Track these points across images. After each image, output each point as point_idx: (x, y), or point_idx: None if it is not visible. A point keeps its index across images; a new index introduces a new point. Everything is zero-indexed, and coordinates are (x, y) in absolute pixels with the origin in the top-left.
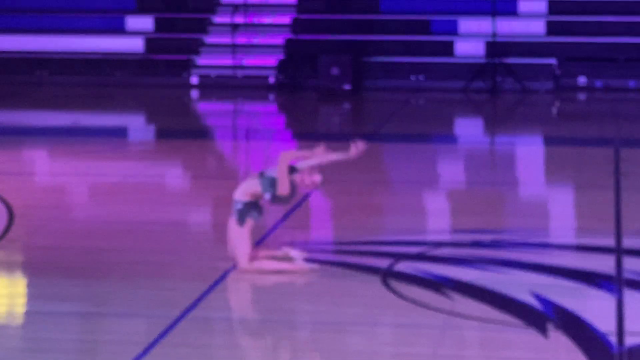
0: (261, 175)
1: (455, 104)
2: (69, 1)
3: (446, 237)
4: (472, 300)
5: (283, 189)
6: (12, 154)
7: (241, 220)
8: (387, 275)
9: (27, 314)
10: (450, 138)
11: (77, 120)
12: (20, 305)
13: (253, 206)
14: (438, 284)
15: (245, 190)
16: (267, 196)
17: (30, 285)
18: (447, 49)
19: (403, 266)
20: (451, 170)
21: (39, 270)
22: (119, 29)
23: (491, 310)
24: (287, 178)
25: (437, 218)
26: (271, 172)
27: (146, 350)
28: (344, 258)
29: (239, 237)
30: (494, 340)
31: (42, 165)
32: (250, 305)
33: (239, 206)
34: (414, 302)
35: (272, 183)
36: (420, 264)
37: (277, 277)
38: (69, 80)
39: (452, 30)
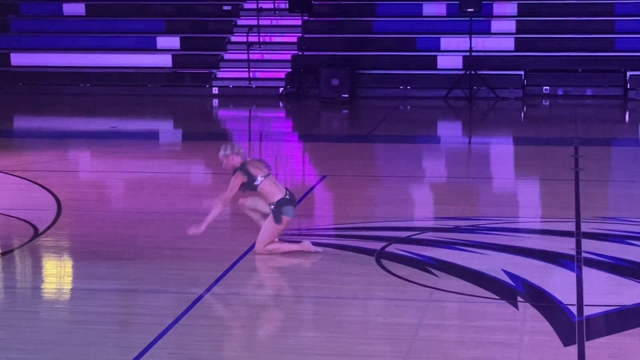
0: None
1: (437, 109)
2: (108, 24)
3: (430, 223)
4: (453, 277)
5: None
6: (59, 153)
7: (277, 220)
8: (380, 256)
9: (73, 290)
10: (433, 139)
11: (115, 125)
12: (67, 283)
13: (284, 202)
14: (424, 263)
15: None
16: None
17: (75, 267)
18: (430, 62)
19: (393, 248)
20: (434, 166)
21: (83, 253)
22: (150, 47)
23: (469, 285)
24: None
25: (422, 207)
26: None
27: (175, 321)
28: (343, 241)
29: (270, 229)
30: (471, 311)
31: (84, 163)
32: (262, 283)
33: (272, 207)
34: (403, 279)
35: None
36: (408, 246)
37: (285, 259)
38: (107, 91)
39: (435, 47)
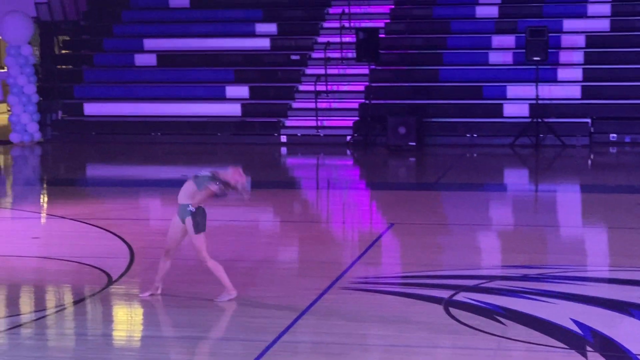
0: (195, 177)
1: (503, 157)
2: (179, 74)
3: (498, 271)
4: (521, 326)
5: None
6: (131, 202)
7: (197, 227)
8: (449, 304)
9: (144, 338)
10: (499, 186)
11: (185, 173)
12: (137, 330)
13: (202, 213)
14: (492, 312)
15: (186, 192)
16: (214, 187)
17: (146, 314)
18: (496, 110)
19: (462, 296)
20: (501, 214)
21: (154, 301)
22: (220, 97)
23: (538, 334)
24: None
25: (490, 255)
26: (204, 172)
27: None
28: (411, 290)
29: (198, 238)
30: None
31: (155, 211)
32: (331, 331)
33: (192, 209)
34: (471, 327)
35: (205, 180)
36: (476, 294)
37: (353, 306)
38: (178, 140)
39: (501, 95)
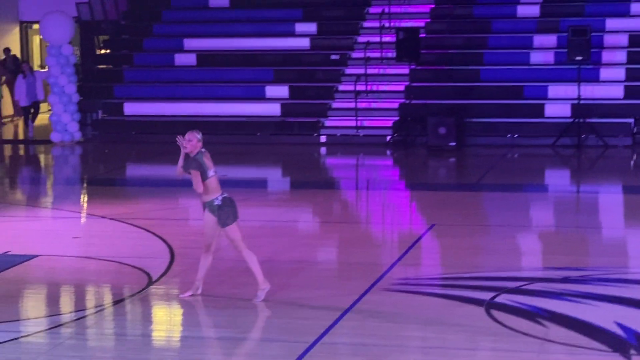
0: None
1: (545, 158)
2: (218, 74)
3: (539, 273)
4: (563, 328)
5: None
6: (171, 202)
7: (224, 224)
8: (490, 306)
9: (183, 338)
10: (541, 187)
11: (224, 173)
12: (177, 331)
13: (227, 204)
14: (533, 314)
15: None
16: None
17: (186, 314)
18: (538, 110)
19: (503, 298)
20: (542, 215)
21: (195, 301)
22: (259, 97)
23: (580, 337)
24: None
25: (531, 257)
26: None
27: None
28: (451, 291)
29: (230, 229)
30: None
31: (195, 212)
32: (370, 333)
33: (217, 204)
34: (512, 329)
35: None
36: (518, 296)
37: (393, 308)
38: (217, 140)
39: (543, 95)
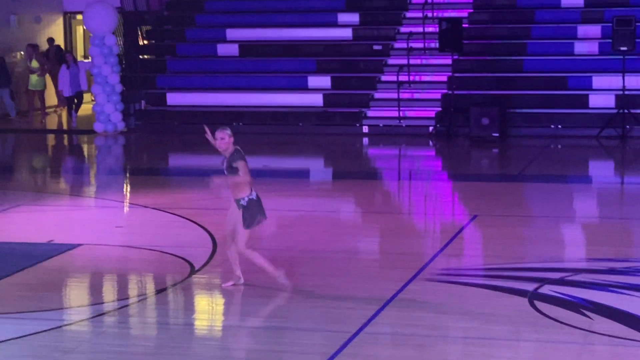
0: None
1: (588, 149)
2: (261, 64)
3: (583, 264)
4: (607, 320)
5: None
6: (213, 192)
7: (249, 225)
8: (533, 297)
9: (225, 328)
10: (584, 178)
11: (267, 163)
12: (219, 320)
13: (256, 204)
14: (578, 305)
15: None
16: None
17: (228, 303)
18: (582, 101)
19: (547, 289)
20: (586, 206)
21: (236, 290)
22: (302, 87)
23: (625, 329)
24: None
25: (575, 248)
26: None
27: None
28: (494, 282)
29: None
30: (627, 355)
31: None
32: (412, 323)
33: (244, 203)
34: (556, 320)
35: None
36: (561, 287)
37: (435, 298)
38: (259, 130)
39: (587, 85)
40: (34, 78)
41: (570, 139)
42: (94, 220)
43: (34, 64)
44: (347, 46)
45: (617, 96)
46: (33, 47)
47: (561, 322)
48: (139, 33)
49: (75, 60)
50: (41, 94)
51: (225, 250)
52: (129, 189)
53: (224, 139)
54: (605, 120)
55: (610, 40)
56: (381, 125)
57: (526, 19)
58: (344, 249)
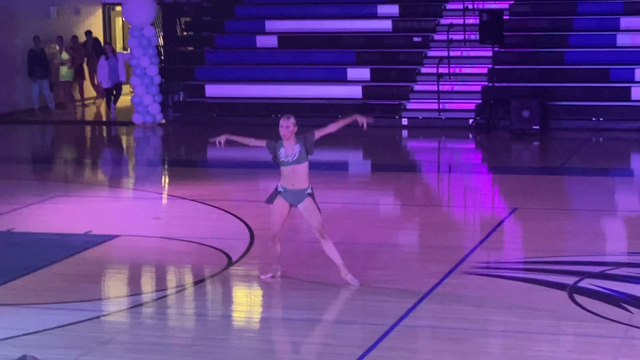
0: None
1: (631, 142)
2: (300, 56)
3: (624, 258)
4: None
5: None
6: (251, 183)
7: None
8: (573, 291)
9: (263, 319)
10: (626, 172)
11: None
12: (256, 312)
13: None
14: (618, 299)
15: (304, 176)
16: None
17: (265, 296)
18: (624, 94)
19: (586, 283)
20: (627, 200)
21: (274, 283)
22: (341, 79)
23: None
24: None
25: (615, 241)
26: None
27: (365, 353)
28: (534, 275)
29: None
30: None
31: None
32: (450, 316)
33: (310, 190)
34: (596, 314)
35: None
36: (602, 281)
37: (474, 291)
38: (299, 122)
39: (629, 78)
40: (63, 69)
41: (612, 131)
42: (132, 212)
43: (64, 55)
44: (387, 38)
45: None
46: (61, 39)
47: (601, 316)
48: (178, 24)
49: (114, 51)
50: (70, 85)
51: (271, 247)
52: (167, 181)
53: (289, 127)
54: None
55: None
56: (420, 117)
57: (568, 10)
58: (382, 242)
